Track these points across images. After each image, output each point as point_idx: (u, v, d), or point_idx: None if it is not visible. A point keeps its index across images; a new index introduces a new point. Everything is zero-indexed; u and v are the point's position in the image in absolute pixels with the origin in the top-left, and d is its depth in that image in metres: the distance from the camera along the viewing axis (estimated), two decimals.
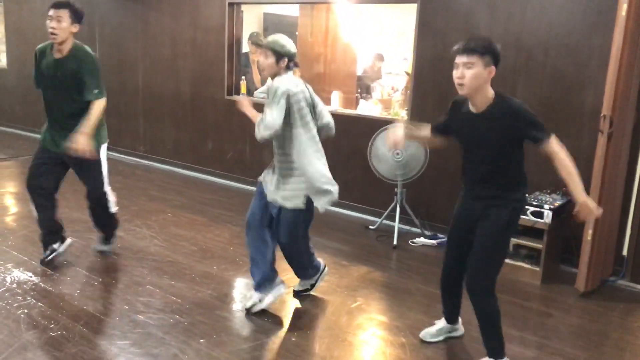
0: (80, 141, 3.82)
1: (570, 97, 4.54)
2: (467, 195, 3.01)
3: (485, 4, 4.83)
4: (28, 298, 3.69)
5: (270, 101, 3.30)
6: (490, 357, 3.06)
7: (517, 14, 4.68)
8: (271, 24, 8.33)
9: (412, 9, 5.35)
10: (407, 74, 6.56)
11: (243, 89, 6.72)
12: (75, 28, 3.90)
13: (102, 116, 4.05)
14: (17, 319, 3.41)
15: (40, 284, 3.91)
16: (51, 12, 3.82)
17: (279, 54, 3.37)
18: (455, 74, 2.77)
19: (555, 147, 2.72)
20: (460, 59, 2.75)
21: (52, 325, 3.36)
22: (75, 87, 3.91)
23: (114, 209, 4.37)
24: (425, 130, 3.18)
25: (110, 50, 7.88)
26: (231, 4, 6.57)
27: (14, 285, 3.85)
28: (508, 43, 4.72)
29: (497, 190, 2.88)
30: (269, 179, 3.58)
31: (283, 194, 3.47)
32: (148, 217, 5.43)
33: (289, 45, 3.41)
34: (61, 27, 3.82)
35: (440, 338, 3.40)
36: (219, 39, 6.71)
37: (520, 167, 2.89)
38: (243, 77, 6.78)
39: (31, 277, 4.01)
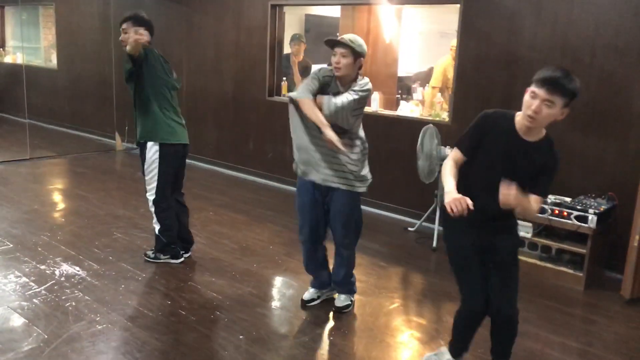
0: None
1: (617, 99, 4.43)
2: (470, 224, 2.77)
3: (530, 5, 4.76)
4: (76, 291, 3.82)
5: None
6: None
7: (563, 14, 4.60)
8: (313, 26, 8.38)
9: (455, 10, 5.32)
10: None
11: (284, 90, 6.79)
12: None
13: (155, 112, 4.10)
14: (65, 311, 3.53)
15: (87, 278, 4.04)
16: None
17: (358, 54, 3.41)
18: (531, 104, 2.52)
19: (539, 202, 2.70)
20: (541, 92, 2.49)
21: (98, 318, 3.47)
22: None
23: (155, 224, 4.26)
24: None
25: None
26: (274, 6, 6.64)
27: (63, 279, 4.00)
28: (554, 44, 4.64)
29: (505, 220, 2.83)
30: None
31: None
32: (191, 215, 5.52)
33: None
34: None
35: None
36: (261, 40, 6.80)
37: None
38: (284, 79, 6.85)
39: (79, 271, 4.15)
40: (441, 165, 4.92)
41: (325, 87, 3.44)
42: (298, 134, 3.51)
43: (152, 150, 4.10)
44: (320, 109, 3.34)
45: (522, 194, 2.56)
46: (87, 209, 5.61)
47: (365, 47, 3.42)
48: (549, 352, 3.34)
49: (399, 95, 7.00)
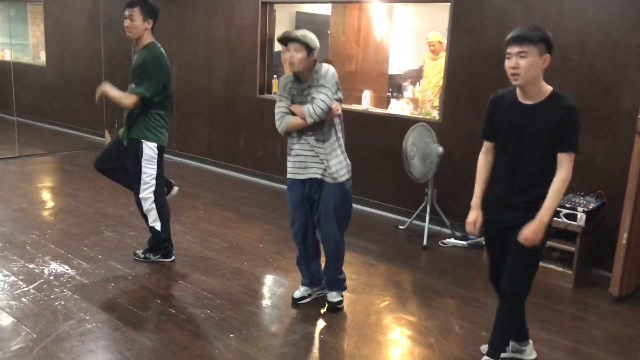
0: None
1: (606, 98, 4.46)
2: (495, 202, 2.91)
3: (520, 3, 4.78)
4: (65, 290, 3.79)
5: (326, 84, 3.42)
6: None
7: (552, 12, 4.62)
8: (303, 23, 8.36)
9: (445, 8, 5.32)
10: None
11: (275, 88, 6.77)
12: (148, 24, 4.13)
13: (158, 116, 4.11)
14: (54, 310, 3.51)
15: (77, 276, 4.02)
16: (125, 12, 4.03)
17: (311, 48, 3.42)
18: (508, 64, 2.67)
19: (570, 165, 2.73)
20: (512, 49, 2.65)
21: (87, 317, 3.45)
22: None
23: (154, 223, 4.23)
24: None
25: None
26: (264, 3, 6.63)
27: (52, 278, 3.97)
28: None
29: (531, 196, 2.79)
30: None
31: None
32: (180, 213, 5.52)
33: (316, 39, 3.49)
34: (134, 25, 4.06)
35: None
36: (252, 38, 6.78)
37: (553, 174, 2.80)
38: (275, 76, 6.83)
39: (68, 270, 4.12)
40: (439, 163, 4.98)
41: (295, 98, 3.50)
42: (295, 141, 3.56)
43: (151, 149, 4.09)
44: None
45: (533, 227, 2.70)
46: (76, 207, 5.57)
47: (317, 41, 3.45)
48: (538, 349, 3.36)
49: (389, 94, 7.01)
